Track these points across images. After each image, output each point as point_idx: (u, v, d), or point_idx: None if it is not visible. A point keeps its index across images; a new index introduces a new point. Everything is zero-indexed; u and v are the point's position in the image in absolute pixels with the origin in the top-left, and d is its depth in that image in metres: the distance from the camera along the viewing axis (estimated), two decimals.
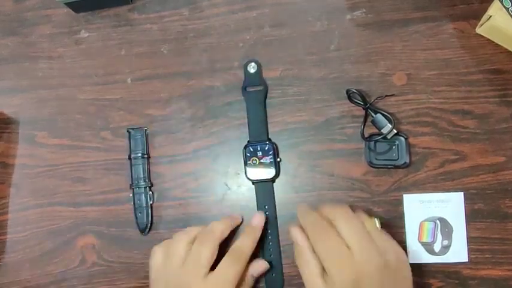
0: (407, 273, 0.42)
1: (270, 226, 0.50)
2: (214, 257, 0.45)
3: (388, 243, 0.42)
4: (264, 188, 0.50)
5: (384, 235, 0.43)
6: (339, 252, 0.40)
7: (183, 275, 0.44)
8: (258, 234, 0.48)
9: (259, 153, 0.50)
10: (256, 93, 0.52)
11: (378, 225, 0.43)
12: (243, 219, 0.51)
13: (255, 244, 0.47)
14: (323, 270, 0.41)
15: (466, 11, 0.52)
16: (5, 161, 0.55)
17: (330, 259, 0.40)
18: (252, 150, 0.50)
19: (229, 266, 0.44)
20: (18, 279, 0.52)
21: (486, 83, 0.50)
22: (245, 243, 0.46)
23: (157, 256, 0.47)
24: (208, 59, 0.54)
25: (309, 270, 0.42)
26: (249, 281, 0.47)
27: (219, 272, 0.44)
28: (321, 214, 0.44)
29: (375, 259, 0.40)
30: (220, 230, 0.47)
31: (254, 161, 0.50)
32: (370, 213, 0.49)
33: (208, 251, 0.45)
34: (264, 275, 0.49)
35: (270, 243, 0.49)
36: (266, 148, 0.50)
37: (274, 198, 0.50)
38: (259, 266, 0.48)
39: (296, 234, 0.44)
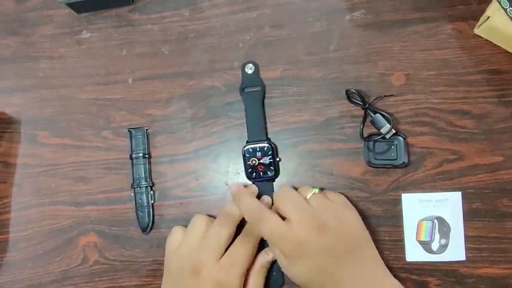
0: (353, 224, 0.46)
1: None
2: (231, 239, 0.47)
3: (323, 205, 0.45)
4: (264, 188, 0.51)
5: (320, 199, 0.46)
6: (279, 228, 0.44)
7: (198, 255, 0.46)
8: (261, 209, 0.47)
9: (259, 154, 0.51)
10: (254, 93, 0.52)
11: (316, 191, 0.47)
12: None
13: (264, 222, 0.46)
14: None
15: (464, 12, 0.52)
16: (6, 160, 0.55)
17: (273, 239, 0.44)
18: (251, 150, 0.51)
19: (241, 247, 0.46)
20: (20, 278, 0.53)
21: (484, 83, 0.51)
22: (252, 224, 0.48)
23: (176, 235, 0.49)
24: (209, 59, 0.54)
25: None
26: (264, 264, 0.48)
27: (231, 252, 0.46)
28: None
29: (309, 223, 0.43)
30: (238, 213, 0.48)
31: (253, 161, 0.51)
32: (368, 212, 0.50)
33: (227, 232, 0.46)
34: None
35: None
36: (265, 148, 0.51)
37: None
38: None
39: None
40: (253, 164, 0.51)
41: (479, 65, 0.51)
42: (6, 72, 0.57)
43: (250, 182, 0.51)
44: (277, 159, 0.51)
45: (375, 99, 0.51)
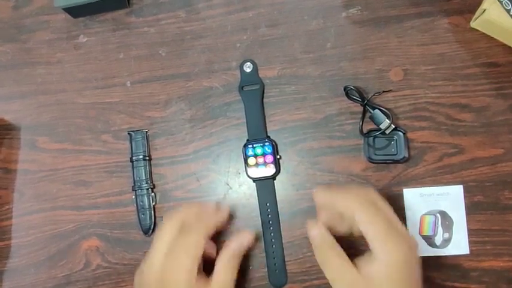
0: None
1: (272, 223, 0.50)
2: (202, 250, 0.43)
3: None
4: (265, 186, 0.51)
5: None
6: (390, 231, 0.40)
7: (164, 272, 0.42)
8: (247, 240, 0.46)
9: (259, 152, 0.51)
10: (253, 92, 0.52)
11: None
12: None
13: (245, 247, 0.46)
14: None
15: (460, 6, 0.52)
16: (7, 166, 0.55)
17: (381, 239, 0.39)
18: (251, 148, 0.51)
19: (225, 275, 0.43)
20: (23, 284, 0.53)
21: (482, 77, 0.51)
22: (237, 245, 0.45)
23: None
24: (206, 60, 0.54)
25: (339, 260, 0.40)
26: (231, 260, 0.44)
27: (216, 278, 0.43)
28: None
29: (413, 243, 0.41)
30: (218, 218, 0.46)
31: (254, 160, 0.50)
32: None
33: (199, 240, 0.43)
34: (268, 269, 0.49)
35: (273, 240, 0.50)
36: (265, 146, 0.51)
37: (275, 195, 0.51)
38: (243, 237, 0.46)
39: (320, 229, 0.42)
40: (254, 163, 0.50)
41: (477, 59, 0.51)
42: (5, 79, 0.57)
43: (251, 182, 0.51)
44: (278, 156, 0.51)
45: (374, 95, 0.51)
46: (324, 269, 0.41)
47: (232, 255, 0.44)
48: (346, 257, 0.40)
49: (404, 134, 0.50)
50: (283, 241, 0.50)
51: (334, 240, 0.42)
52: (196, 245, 0.42)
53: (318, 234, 0.42)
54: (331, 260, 0.41)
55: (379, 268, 0.39)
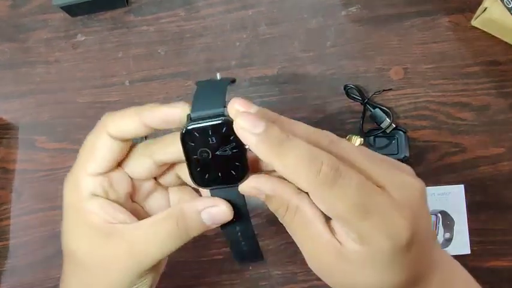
0: None
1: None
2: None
3: None
4: (228, 197, 0.28)
5: None
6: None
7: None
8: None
9: (212, 139, 0.26)
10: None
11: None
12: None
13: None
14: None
15: (460, 4, 0.52)
16: (5, 166, 0.55)
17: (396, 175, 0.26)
18: (197, 133, 0.26)
19: None
20: (21, 285, 0.52)
21: (483, 75, 0.50)
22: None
23: None
24: (206, 59, 0.54)
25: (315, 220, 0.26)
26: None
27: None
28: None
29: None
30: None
31: (204, 153, 0.27)
32: None
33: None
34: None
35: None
36: (222, 127, 0.26)
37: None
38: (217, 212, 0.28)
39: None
40: (205, 158, 0.27)
41: (477, 57, 0.51)
42: (3, 78, 0.56)
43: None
44: (246, 146, 0.26)
45: (374, 94, 0.50)
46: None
47: (190, 218, 0.27)
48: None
49: (405, 133, 0.49)
50: (288, 241, 0.50)
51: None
52: (93, 142, 0.29)
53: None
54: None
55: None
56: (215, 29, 0.54)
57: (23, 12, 0.57)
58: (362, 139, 0.41)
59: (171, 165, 0.30)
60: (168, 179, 0.31)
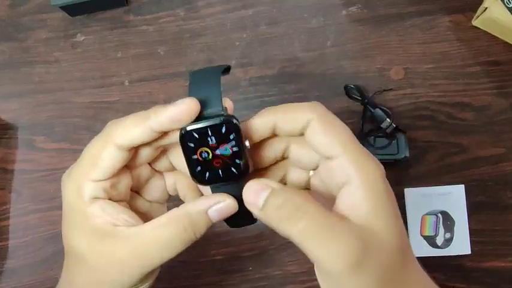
0: None
1: None
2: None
3: None
4: (229, 193, 0.29)
5: None
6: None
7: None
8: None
9: (212, 139, 0.27)
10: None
11: None
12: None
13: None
14: None
15: (461, 4, 0.52)
16: (4, 166, 0.54)
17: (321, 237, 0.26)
18: (196, 134, 0.26)
19: None
20: (20, 285, 0.52)
21: (484, 75, 0.50)
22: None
23: None
24: (205, 58, 0.54)
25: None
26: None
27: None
28: None
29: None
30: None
31: (205, 153, 0.27)
32: None
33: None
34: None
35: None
36: (222, 127, 0.26)
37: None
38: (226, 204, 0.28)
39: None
40: (205, 158, 0.27)
41: (478, 57, 0.51)
42: (2, 78, 0.56)
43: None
44: (246, 144, 0.27)
45: (374, 94, 0.50)
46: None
47: (197, 219, 0.27)
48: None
49: (405, 133, 0.49)
50: (288, 241, 0.49)
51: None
52: (98, 145, 0.27)
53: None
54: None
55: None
56: (215, 28, 0.54)
57: (22, 11, 0.57)
58: None
59: (163, 151, 0.30)
60: (162, 164, 0.31)
